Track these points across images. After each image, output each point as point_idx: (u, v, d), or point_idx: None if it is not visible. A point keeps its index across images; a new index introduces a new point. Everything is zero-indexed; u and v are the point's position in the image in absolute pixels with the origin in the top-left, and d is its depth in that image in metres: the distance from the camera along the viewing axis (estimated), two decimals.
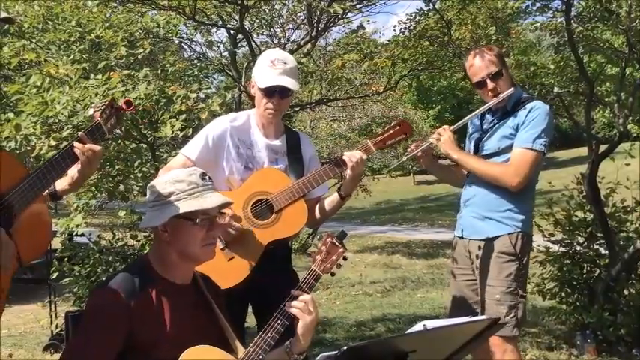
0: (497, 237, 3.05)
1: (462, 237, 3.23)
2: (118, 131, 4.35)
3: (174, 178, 2.05)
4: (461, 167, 3.25)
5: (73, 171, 2.12)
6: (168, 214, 1.99)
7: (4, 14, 1.81)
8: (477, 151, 3.19)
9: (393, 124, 2.93)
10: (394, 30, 7.35)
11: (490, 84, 3.08)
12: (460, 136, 3.23)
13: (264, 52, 3.06)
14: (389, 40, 8.00)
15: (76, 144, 2.06)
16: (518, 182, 2.98)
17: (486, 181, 3.07)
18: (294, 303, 2.10)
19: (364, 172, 3.06)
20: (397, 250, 13.04)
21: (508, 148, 3.06)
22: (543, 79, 6.82)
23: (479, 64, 3.10)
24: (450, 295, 3.32)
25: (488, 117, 3.21)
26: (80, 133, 2.13)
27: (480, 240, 3.10)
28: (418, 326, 1.92)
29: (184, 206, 1.99)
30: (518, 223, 3.05)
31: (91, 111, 2.23)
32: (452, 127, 3.16)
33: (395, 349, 1.84)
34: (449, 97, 34.64)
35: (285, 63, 2.78)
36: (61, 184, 2.17)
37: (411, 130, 2.94)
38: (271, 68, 2.75)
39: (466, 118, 3.27)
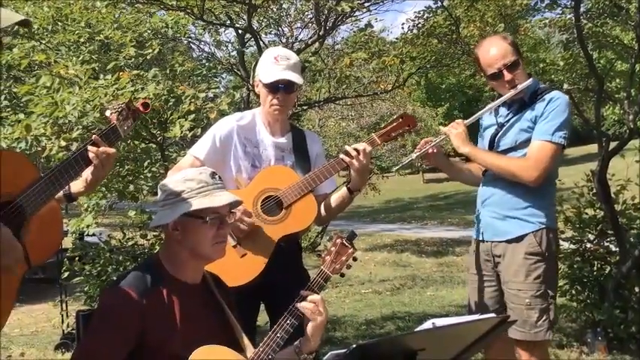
0: (521, 237, 2.87)
1: (482, 240, 3.03)
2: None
3: (185, 177, 2.06)
4: (473, 163, 3.10)
5: (87, 173, 2.13)
6: (178, 212, 2.00)
7: (20, 17, 1.81)
8: (492, 146, 3.01)
9: (396, 116, 2.93)
10: (402, 28, 7.33)
11: (507, 75, 2.89)
12: (471, 134, 3.11)
13: (267, 50, 3.08)
14: (397, 38, 7.97)
15: (90, 147, 2.07)
16: (537, 176, 2.81)
17: (503, 177, 2.90)
18: (303, 304, 2.10)
19: (371, 165, 3.05)
20: (406, 249, 13.03)
21: (526, 143, 2.89)
22: (553, 76, 6.80)
23: (494, 54, 2.91)
24: (470, 303, 3.20)
25: (504, 111, 3.04)
26: (94, 137, 2.12)
27: (503, 242, 2.93)
28: (427, 324, 1.92)
29: (194, 204, 2.00)
30: (542, 219, 2.87)
31: (107, 113, 2.23)
32: (466, 121, 3.01)
33: (404, 348, 1.84)
34: (458, 95, 34.53)
35: (288, 59, 2.80)
36: (76, 186, 2.18)
37: (414, 122, 2.92)
38: (275, 64, 2.77)
39: (480, 111, 3.08)
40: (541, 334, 2.84)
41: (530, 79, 2.94)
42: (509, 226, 2.91)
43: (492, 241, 2.98)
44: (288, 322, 2.08)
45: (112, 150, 2.12)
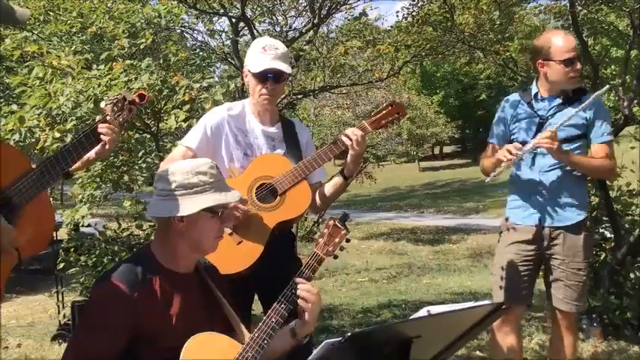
0: (580, 222, 3.17)
1: (541, 227, 3.19)
2: None
3: (196, 169, 2.02)
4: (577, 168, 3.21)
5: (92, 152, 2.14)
6: (197, 206, 1.97)
7: (28, 12, 1.81)
8: (535, 137, 3.12)
9: (385, 104, 2.97)
10: (397, 16, 7.29)
11: (578, 65, 3.10)
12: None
13: (255, 40, 3.08)
14: (391, 26, 7.94)
15: (100, 125, 2.10)
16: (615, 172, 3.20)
17: (559, 168, 3.13)
18: (298, 287, 2.11)
19: (365, 154, 3.09)
20: (403, 237, 13.06)
21: (576, 138, 3.13)
22: None
23: (573, 44, 3.11)
24: (502, 285, 3.28)
25: (544, 103, 3.19)
26: (105, 116, 2.17)
27: (563, 227, 3.17)
28: (422, 312, 1.92)
29: (212, 199, 2.00)
30: (586, 207, 3.26)
31: (102, 104, 2.23)
32: (554, 128, 3.04)
33: (399, 335, 1.85)
34: (453, 83, 34.52)
35: (276, 49, 2.81)
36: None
37: (404, 110, 2.97)
38: (263, 54, 2.78)
39: (574, 111, 3.07)
40: (585, 305, 3.32)
41: (607, 86, 3.34)
42: (569, 213, 3.17)
43: (552, 227, 3.18)
44: (282, 306, 2.08)
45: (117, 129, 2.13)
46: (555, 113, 3.14)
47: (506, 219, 3.33)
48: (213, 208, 2.00)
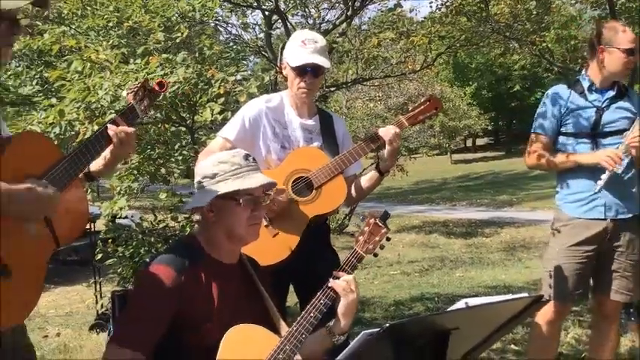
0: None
1: (605, 219, 3.17)
2: (159, 115, 4.41)
3: (219, 160, 2.09)
4: None
5: (106, 152, 2.16)
6: (211, 195, 2.03)
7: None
8: (595, 128, 3.15)
9: (423, 99, 2.96)
10: (430, 6, 7.23)
11: (636, 58, 3.12)
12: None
13: (295, 33, 3.10)
14: (425, 18, 7.87)
15: (109, 126, 2.10)
16: None
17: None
18: (337, 282, 2.11)
19: (400, 147, 3.09)
20: (435, 230, 12.99)
21: (624, 130, 3.12)
22: (585, 53, 6.66)
23: (634, 36, 3.14)
24: (553, 282, 3.26)
25: (597, 95, 3.18)
26: (114, 116, 2.16)
27: (627, 218, 3.17)
28: (460, 304, 1.92)
29: (227, 186, 2.02)
30: None
31: (124, 93, 2.27)
32: None
33: (437, 327, 1.85)
34: (486, 74, 34.08)
35: (315, 42, 2.82)
36: (95, 165, 2.19)
37: (441, 105, 2.97)
38: (302, 47, 2.80)
39: None
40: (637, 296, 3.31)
41: None
42: (632, 204, 3.17)
43: (616, 219, 3.16)
44: (321, 301, 2.09)
45: (131, 129, 2.13)
46: (609, 105, 3.14)
47: (561, 212, 3.28)
48: (231, 195, 2.02)
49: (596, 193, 3.09)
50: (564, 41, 7.10)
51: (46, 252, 1.90)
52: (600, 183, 3.05)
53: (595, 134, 3.14)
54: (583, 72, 3.30)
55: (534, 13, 6.76)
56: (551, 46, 7.72)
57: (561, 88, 3.29)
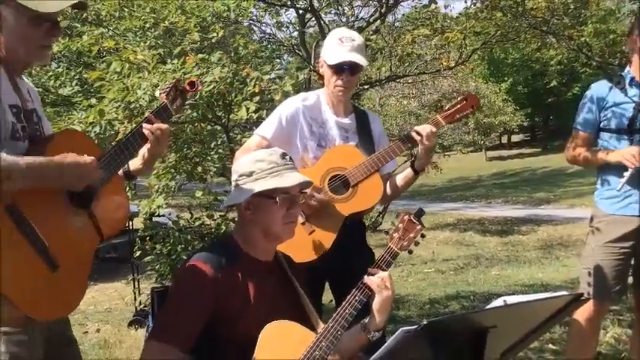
0: None
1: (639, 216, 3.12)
2: (195, 114, 4.47)
3: (256, 158, 2.12)
4: None
5: (144, 150, 2.21)
6: (248, 193, 2.06)
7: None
8: (632, 124, 3.09)
9: (460, 98, 2.95)
10: (465, 2, 7.15)
11: None
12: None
13: (332, 31, 3.11)
14: (460, 13, 7.80)
15: (144, 124, 2.15)
16: None
17: None
18: (372, 279, 2.12)
19: (436, 145, 3.08)
20: (470, 228, 12.86)
21: None
22: (624, 47, 6.52)
23: None
24: (591, 280, 3.23)
25: (636, 89, 3.11)
26: (148, 114, 2.22)
27: None
28: (498, 302, 1.90)
29: (264, 184, 2.05)
30: None
31: (157, 93, 2.32)
32: None
33: (475, 325, 1.84)
34: (522, 70, 33.55)
35: (353, 40, 2.83)
36: (134, 164, 2.26)
37: (478, 103, 2.96)
38: (340, 46, 2.81)
39: None
40: None
41: None
42: None
43: None
44: (356, 298, 2.10)
45: (165, 126, 2.19)
46: None
47: (598, 209, 3.25)
48: (267, 193, 2.05)
49: (618, 190, 3.03)
50: (602, 35, 6.96)
51: (90, 246, 1.97)
52: (622, 180, 2.99)
53: (632, 130, 3.08)
54: (627, 68, 3.23)
55: (572, 7, 6.64)
56: (589, 40, 7.56)
57: (602, 84, 3.24)
